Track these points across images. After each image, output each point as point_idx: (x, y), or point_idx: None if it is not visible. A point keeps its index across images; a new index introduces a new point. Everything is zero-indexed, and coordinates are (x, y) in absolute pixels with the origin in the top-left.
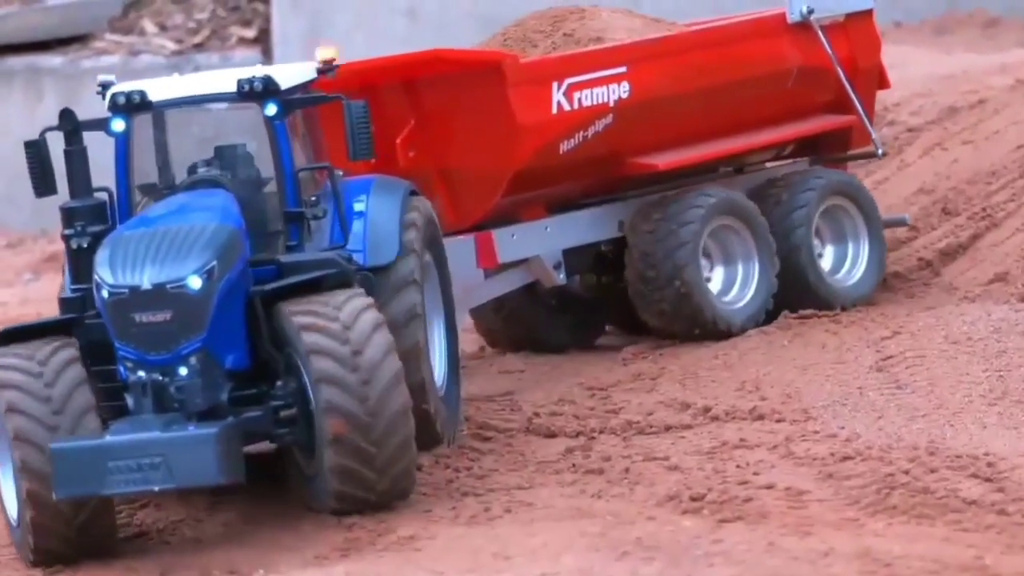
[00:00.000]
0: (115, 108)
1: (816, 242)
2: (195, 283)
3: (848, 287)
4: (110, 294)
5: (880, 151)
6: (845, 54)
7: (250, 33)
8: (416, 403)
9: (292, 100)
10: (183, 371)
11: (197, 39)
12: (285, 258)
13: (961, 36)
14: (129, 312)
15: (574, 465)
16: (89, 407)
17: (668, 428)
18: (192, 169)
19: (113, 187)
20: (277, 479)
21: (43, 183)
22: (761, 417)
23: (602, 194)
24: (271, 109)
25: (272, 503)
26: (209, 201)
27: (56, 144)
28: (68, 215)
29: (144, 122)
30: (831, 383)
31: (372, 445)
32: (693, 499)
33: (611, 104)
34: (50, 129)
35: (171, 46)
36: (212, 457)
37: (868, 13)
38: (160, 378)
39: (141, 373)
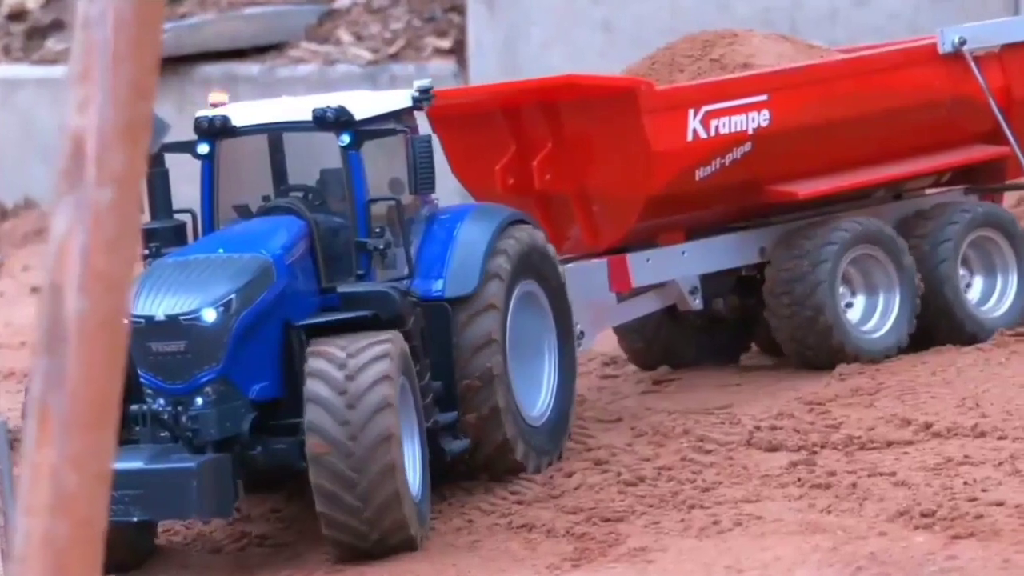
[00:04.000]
0: (199, 132)
1: (964, 272)
2: (209, 316)
3: (995, 319)
4: (130, 323)
5: None
6: (1000, 84)
7: (445, 44)
8: (489, 430)
9: (364, 131)
10: (199, 401)
11: (392, 49)
12: (343, 288)
13: None
14: (146, 341)
15: (799, 479)
16: None
17: (890, 444)
18: (284, 192)
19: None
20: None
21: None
22: (983, 434)
23: (744, 220)
24: (344, 139)
25: (503, 514)
26: (264, 229)
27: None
28: (147, 236)
29: (261, 141)
30: None
31: (356, 499)
32: (924, 515)
33: (750, 132)
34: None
35: (367, 56)
36: (191, 491)
37: None
38: (171, 408)
39: (161, 401)
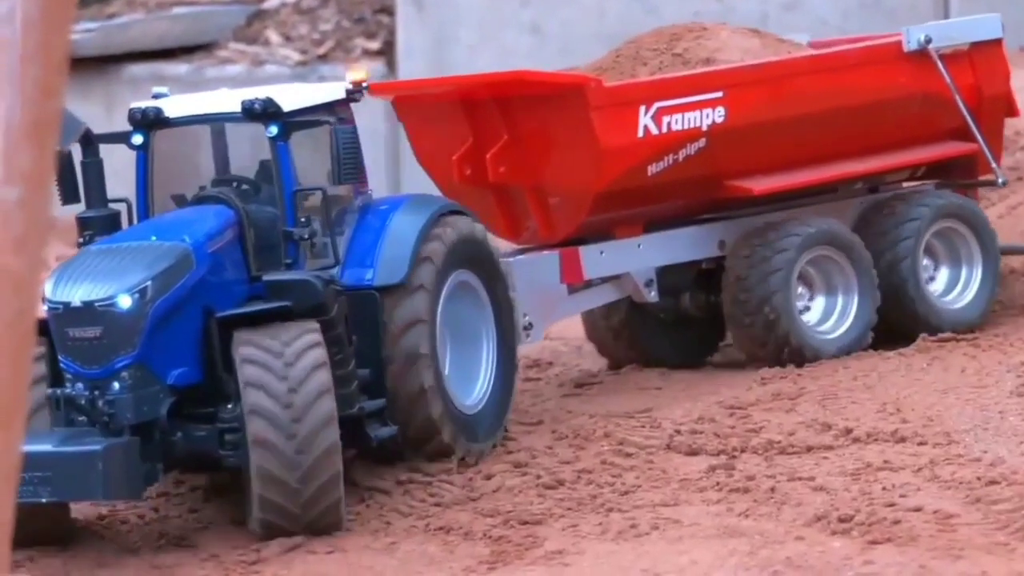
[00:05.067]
0: (133, 123)
1: (928, 263)
2: (124, 302)
3: (955, 311)
4: (48, 309)
5: (1001, 180)
6: (969, 82)
7: (375, 45)
8: (415, 409)
9: (291, 123)
10: (115, 386)
11: (321, 50)
12: (268, 277)
13: None
14: (64, 327)
15: (718, 484)
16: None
17: (810, 448)
18: (220, 182)
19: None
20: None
21: (69, 192)
22: (903, 440)
23: (706, 213)
24: (272, 130)
25: (421, 516)
26: (190, 217)
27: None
28: (82, 224)
29: (204, 133)
30: (972, 407)
31: (297, 482)
32: (841, 520)
33: (704, 128)
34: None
35: (295, 57)
36: (96, 474)
37: (996, 43)
38: (88, 392)
39: (80, 385)
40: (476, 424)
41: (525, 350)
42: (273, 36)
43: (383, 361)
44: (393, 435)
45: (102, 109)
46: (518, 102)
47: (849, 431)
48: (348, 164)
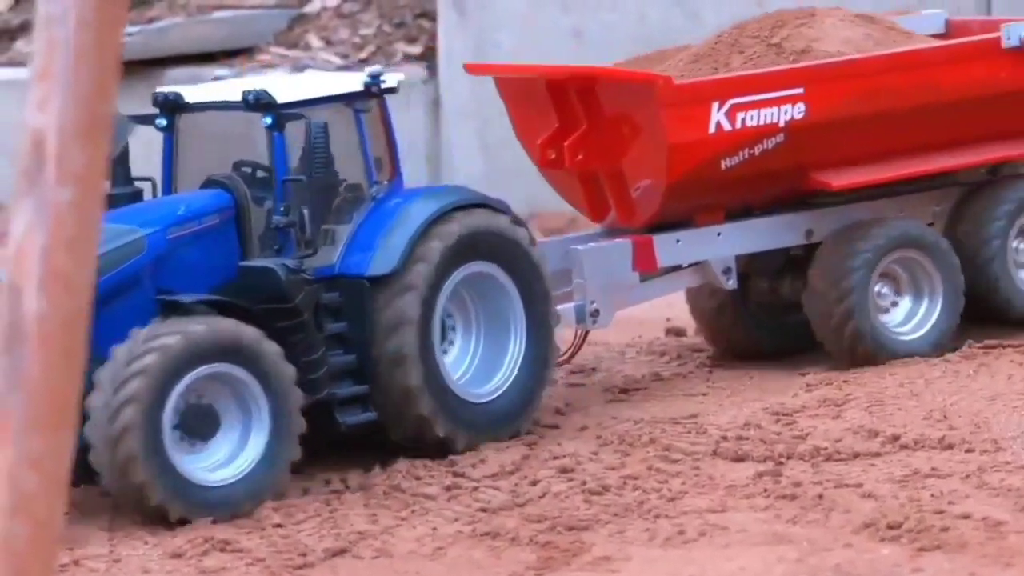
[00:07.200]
0: (156, 106)
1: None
2: None
3: None
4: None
5: None
6: None
7: (415, 50)
8: (405, 407)
9: (284, 114)
10: None
11: (362, 55)
12: (243, 262)
13: None
14: None
15: (765, 490)
16: None
17: (857, 455)
18: (236, 166)
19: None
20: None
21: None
22: (951, 446)
23: (792, 201)
24: (267, 120)
25: (467, 522)
26: (169, 203)
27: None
28: (105, 203)
29: (236, 117)
30: (1019, 413)
31: (108, 482)
32: (890, 527)
33: (781, 124)
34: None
35: (336, 61)
36: None
37: None
38: None
39: None
40: (488, 414)
41: (578, 358)
42: (314, 40)
43: (371, 355)
44: (372, 420)
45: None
46: (596, 93)
47: (896, 438)
48: (318, 158)
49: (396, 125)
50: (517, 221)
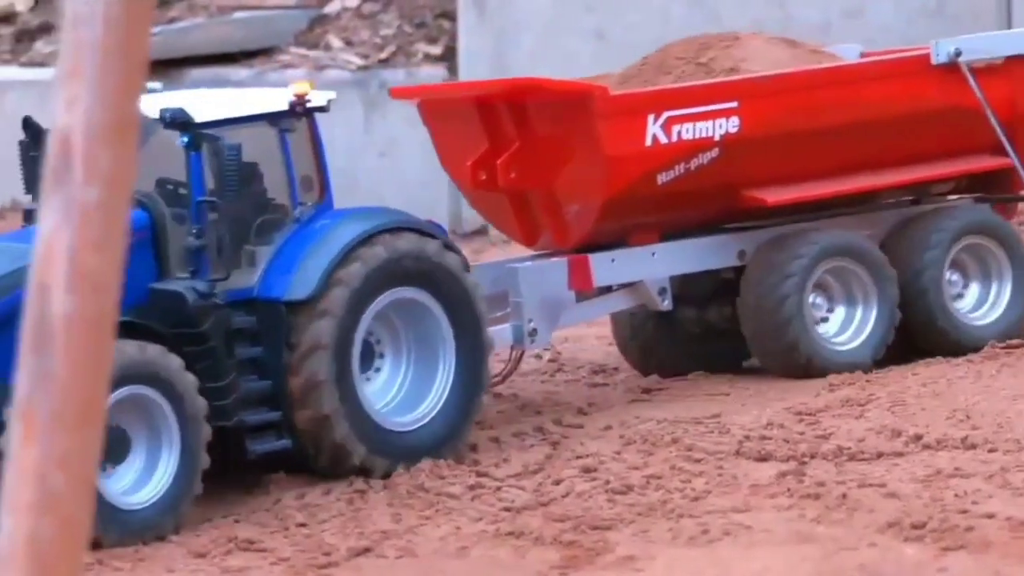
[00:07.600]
0: None
1: (958, 279)
2: None
3: (983, 326)
4: None
5: None
6: (1003, 96)
7: (436, 50)
8: (320, 433)
9: (200, 135)
10: None
11: (383, 55)
12: (155, 284)
13: None
14: None
15: (789, 489)
16: None
17: (880, 455)
18: (161, 183)
19: None
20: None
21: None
22: (974, 446)
23: (727, 222)
24: (184, 139)
25: (491, 521)
26: None
27: None
28: (26, 216)
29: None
30: None
31: None
32: (914, 527)
33: (716, 138)
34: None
35: (357, 61)
36: None
37: None
38: None
39: None
40: (410, 441)
41: (589, 355)
42: (334, 41)
43: (287, 382)
44: (286, 448)
45: None
46: (528, 108)
47: (919, 437)
48: (227, 179)
49: (408, 127)
50: (448, 246)
